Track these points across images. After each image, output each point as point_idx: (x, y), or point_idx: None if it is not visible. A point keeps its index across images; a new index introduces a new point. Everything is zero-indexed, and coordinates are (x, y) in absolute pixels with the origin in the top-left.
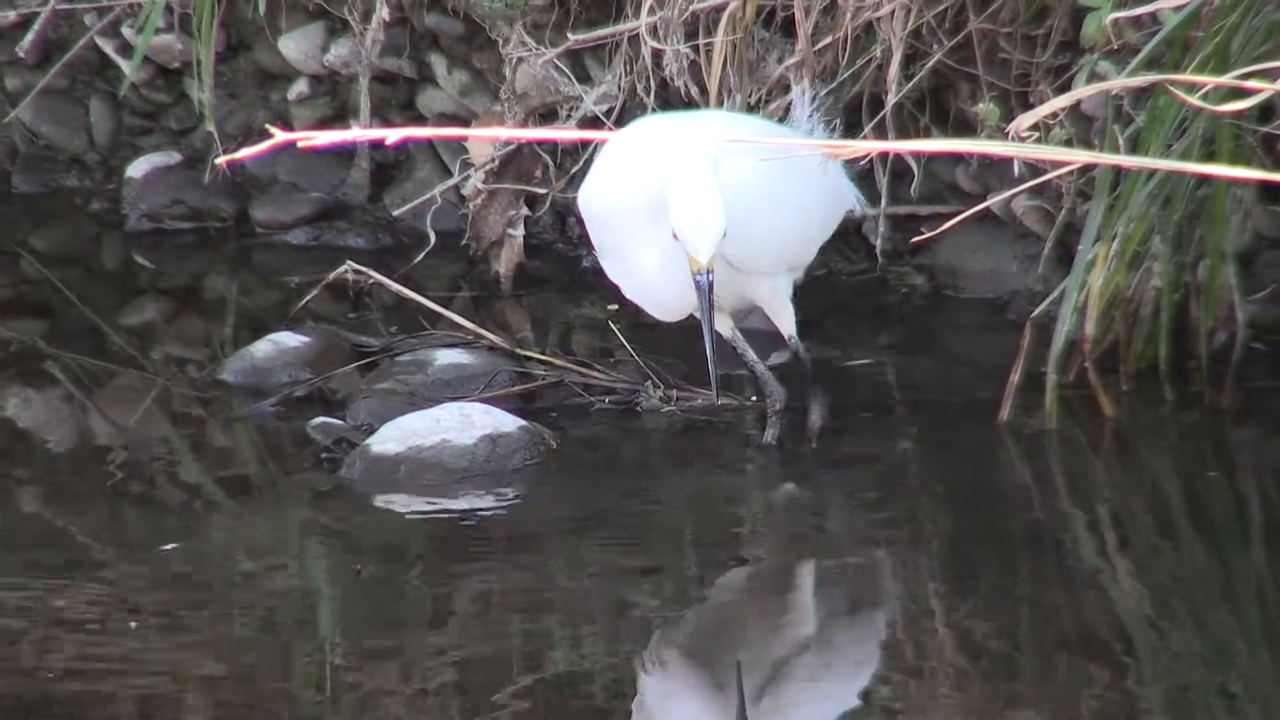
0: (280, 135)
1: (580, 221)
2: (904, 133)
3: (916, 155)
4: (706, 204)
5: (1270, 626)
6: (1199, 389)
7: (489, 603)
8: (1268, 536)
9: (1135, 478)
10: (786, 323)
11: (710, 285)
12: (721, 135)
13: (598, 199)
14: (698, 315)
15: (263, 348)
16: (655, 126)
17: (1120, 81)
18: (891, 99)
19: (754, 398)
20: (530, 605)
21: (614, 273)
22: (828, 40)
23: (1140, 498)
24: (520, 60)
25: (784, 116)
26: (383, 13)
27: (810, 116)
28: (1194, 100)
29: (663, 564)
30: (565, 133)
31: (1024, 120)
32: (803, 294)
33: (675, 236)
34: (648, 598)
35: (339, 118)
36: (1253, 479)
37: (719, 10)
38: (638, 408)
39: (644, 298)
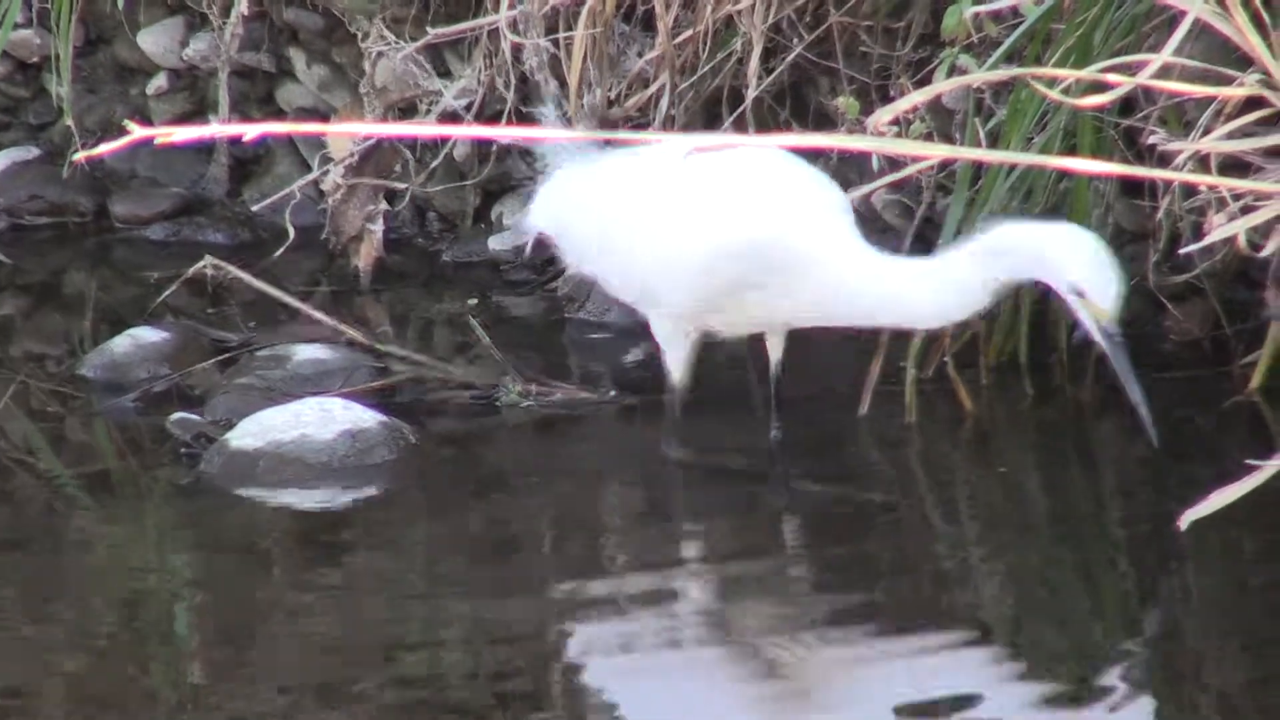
0: (139, 131)
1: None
2: (764, 127)
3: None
4: (1108, 256)
5: (1105, 614)
6: (1059, 383)
7: (346, 598)
8: (1118, 528)
9: (992, 471)
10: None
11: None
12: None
13: None
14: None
15: (122, 343)
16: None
17: (981, 75)
18: (751, 93)
19: (612, 392)
20: (387, 601)
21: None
22: (688, 34)
23: (996, 490)
24: (380, 55)
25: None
26: (242, 7)
27: None
28: (1055, 94)
29: (520, 559)
30: (425, 128)
31: (884, 114)
32: None
33: (1052, 289)
34: (503, 594)
35: (198, 113)
36: (1112, 472)
37: (579, 4)
38: (497, 403)
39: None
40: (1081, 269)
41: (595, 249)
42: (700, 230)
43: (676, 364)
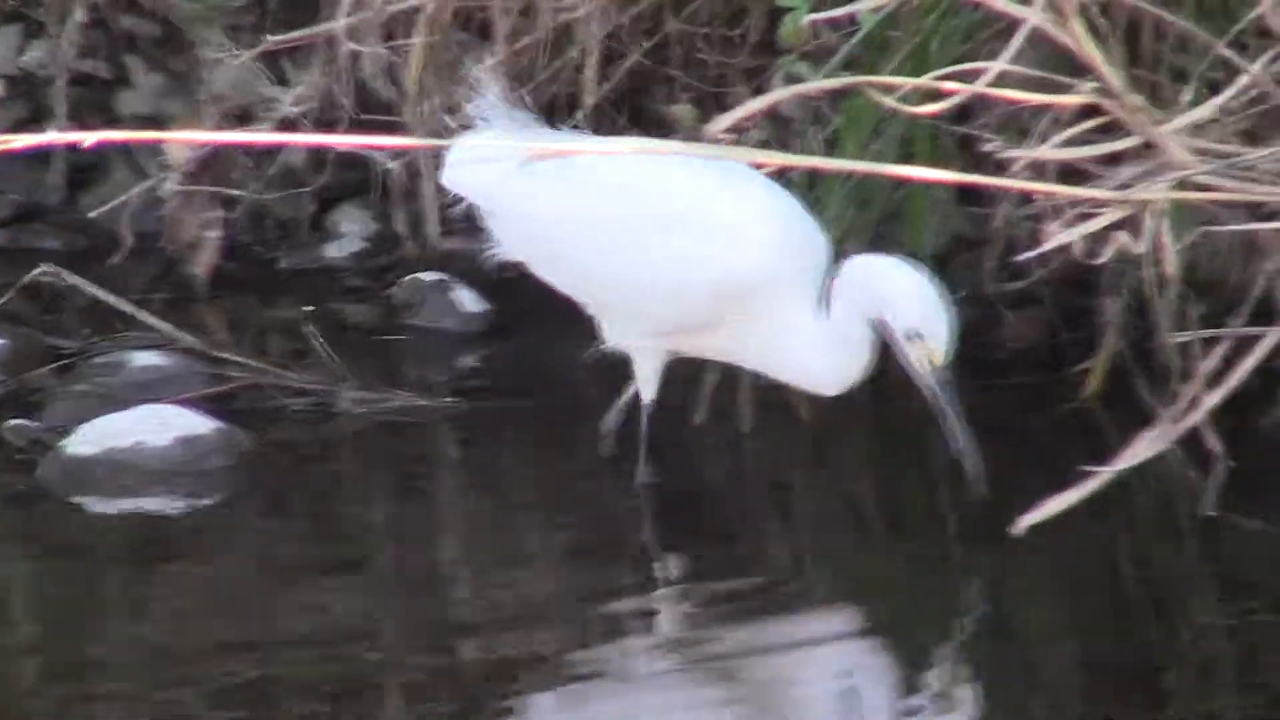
0: None
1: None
2: (602, 133)
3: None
4: (946, 300)
5: (942, 619)
6: (895, 390)
7: (180, 603)
8: (955, 534)
9: (828, 477)
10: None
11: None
12: None
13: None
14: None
15: None
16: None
17: (817, 84)
18: (589, 100)
19: (449, 398)
20: (221, 606)
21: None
22: (526, 41)
23: (832, 497)
24: (217, 62)
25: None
26: (79, 15)
27: None
28: (891, 102)
29: (356, 565)
30: (262, 135)
31: (721, 122)
32: (495, 295)
33: (885, 329)
34: (339, 600)
35: (35, 120)
36: (949, 478)
37: (416, 12)
38: (333, 409)
39: (815, 372)
40: (920, 312)
41: (542, 249)
42: (696, 266)
43: (647, 384)
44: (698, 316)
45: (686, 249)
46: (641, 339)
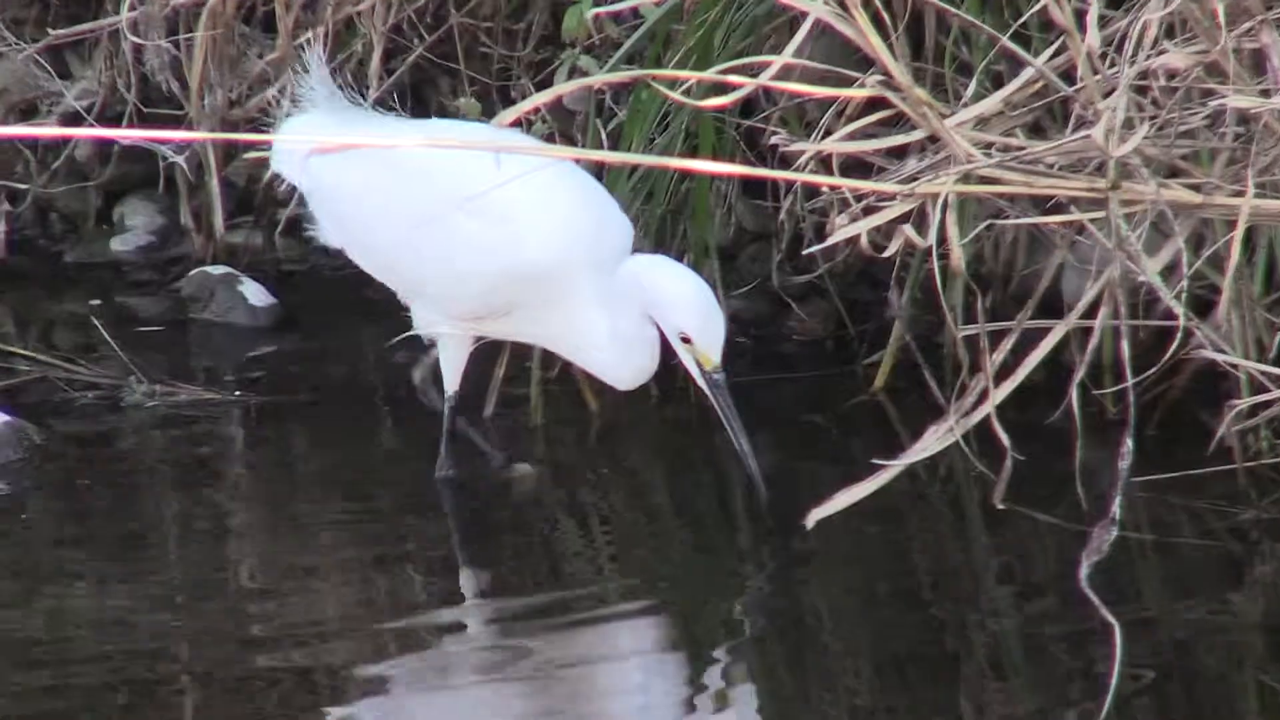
0: None
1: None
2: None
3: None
4: (715, 304)
5: (732, 611)
6: (684, 384)
7: None
8: (745, 527)
9: (617, 470)
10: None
11: (726, 384)
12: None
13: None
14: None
15: None
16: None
17: (601, 77)
18: (373, 94)
19: (237, 391)
20: (13, 598)
21: (534, 336)
22: (309, 35)
23: (621, 490)
24: None
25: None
26: None
27: None
28: (676, 95)
29: (146, 556)
30: (46, 129)
31: (506, 116)
32: (283, 289)
33: (658, 328)
34: (130, 591)
35: None
36: (737, 471)
37: (199, 6)
38: (122, 403)
39: (610, 364)
40: (688, 315)
41: (354, 234)
42: (488, 251)
43: (451, 372)
44: (495, 301)
45: (480, 233)
46: (449, 324)
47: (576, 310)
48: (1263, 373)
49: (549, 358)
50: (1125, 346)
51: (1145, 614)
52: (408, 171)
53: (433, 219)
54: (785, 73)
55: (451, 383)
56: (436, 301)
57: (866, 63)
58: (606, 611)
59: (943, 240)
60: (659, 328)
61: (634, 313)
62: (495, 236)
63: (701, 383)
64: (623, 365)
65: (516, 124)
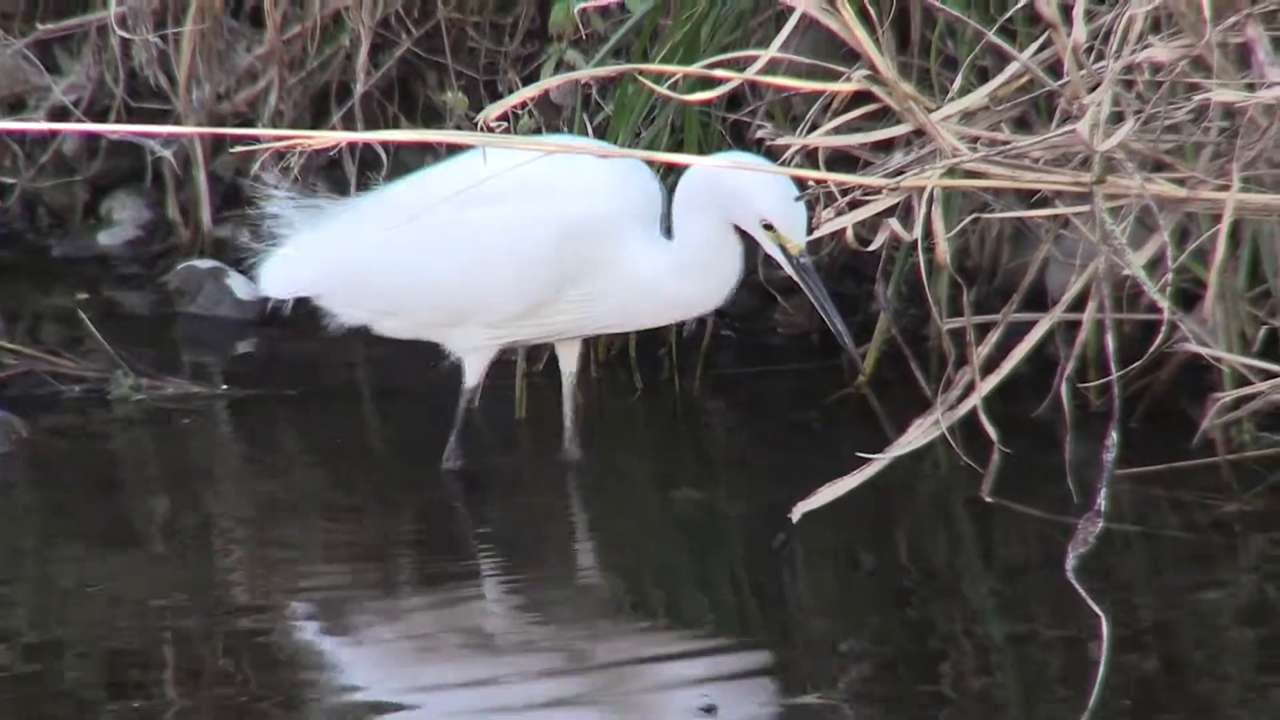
0: None
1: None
2: (373, 122)
3: (386, 145)
4: (792, 186)
5: (720, 603)
6: (668, 376)
7: None
8: (733, 518)
9: (604, 463)
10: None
11: (815, 267)
12: None
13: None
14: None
15: None
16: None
17: (588, 71)
18: (360, 88)
19: (224, 385)
20: None
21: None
22: (297, 30)
23: (607, 482)
24: None
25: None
26: None
27: None
28: (662, 89)
29: (135, 550)
30: (34, 123)
31: (492, 110)
32: None
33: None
34: (119, 584)
35: None
36: (723, 464)
37: (187, 0)
38: (108, 396)
39: (688, 289)
40: (769, 200)
41: (393, 289)
42: (539, 223)
43: (475, 371)
44: (548, 282)
45: (530, 209)
46: (491, 339)
47: (631, 262)
48: (1246, 366)
49: (534, 351)
50: (1110, 340)
51: (1131, 604)
52: (427, 193)
53: (471, 215)
54: (772, 67)
55: (473, 377)
56: (484, 314)
57: (853, 57)
58: (586, 602)
59: (929, 234)
60: (738, 226)
61: (707, 221)
62: (539, 209)
63: (790, 269)
64: (704, 281)
65: (504, 117)
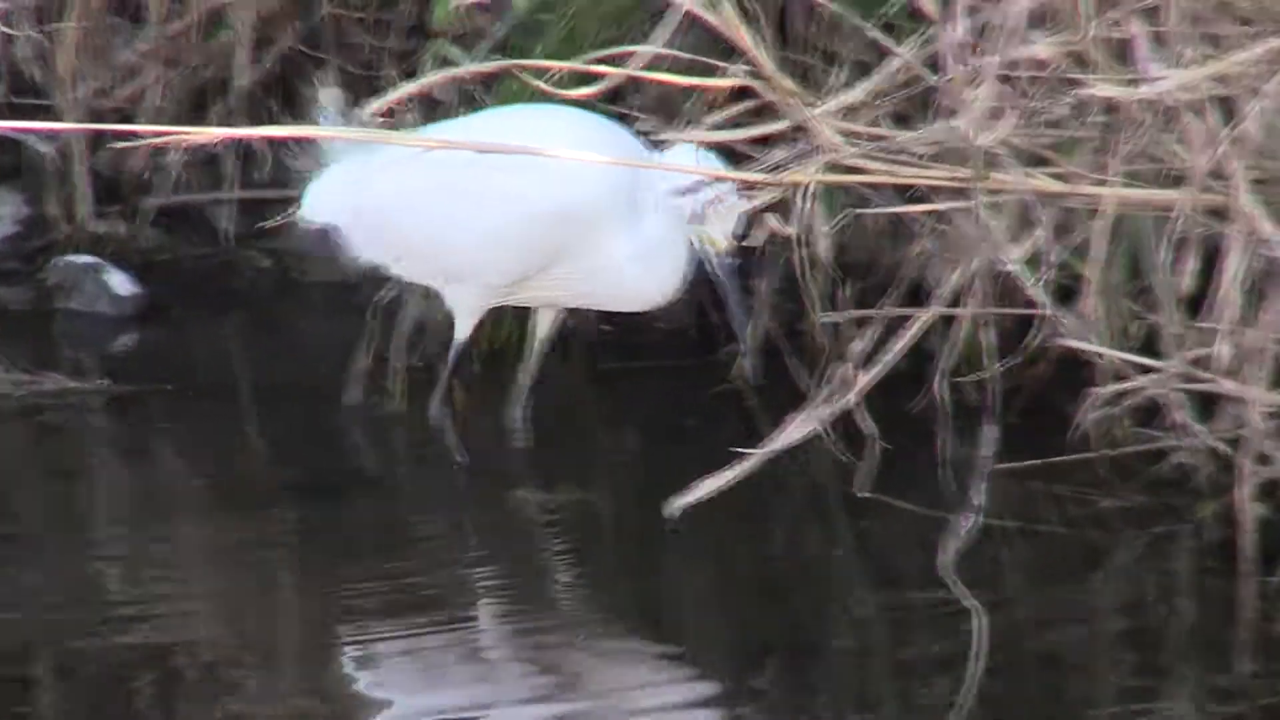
0: None
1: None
2: (254, 118)
3: (266, 140)
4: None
5: (594, 597)
6: (550, 371)
7: None
8: (609, 515)
9: (481, 460)
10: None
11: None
12: None
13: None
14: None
15: None
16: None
17: (470, 68)
18: (241, 84)
19: (103, 381)
20: None
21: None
22: (178, 25)
23: (482, 480)
24: None
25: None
26: None
27: None
28: (543, 85)
29: (8, 546)
30: None
31: (373, 105)
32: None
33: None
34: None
35: None
36: (601, 460)
37: None
38: None
39: (634, 287)
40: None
41: (400, 236)
42: (525, 198)
43: (467, 327)
44: (541, 254)
45: (529, 182)
46: (485, 300)
47: (607, 244)
48: (1124, 361)
49: (414, 344)
50: (988, 335)
51: (1006, 598)
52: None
53: (478, 182)
54: (653, 62)
55: (464, 330)
56: (481, 273)
57: (734, 52)
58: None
59: (807, 229)
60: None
61: (663, 220)
62: (543, 184)
63: (713, 266)
64: (645, 277)
65: (387, 114)
